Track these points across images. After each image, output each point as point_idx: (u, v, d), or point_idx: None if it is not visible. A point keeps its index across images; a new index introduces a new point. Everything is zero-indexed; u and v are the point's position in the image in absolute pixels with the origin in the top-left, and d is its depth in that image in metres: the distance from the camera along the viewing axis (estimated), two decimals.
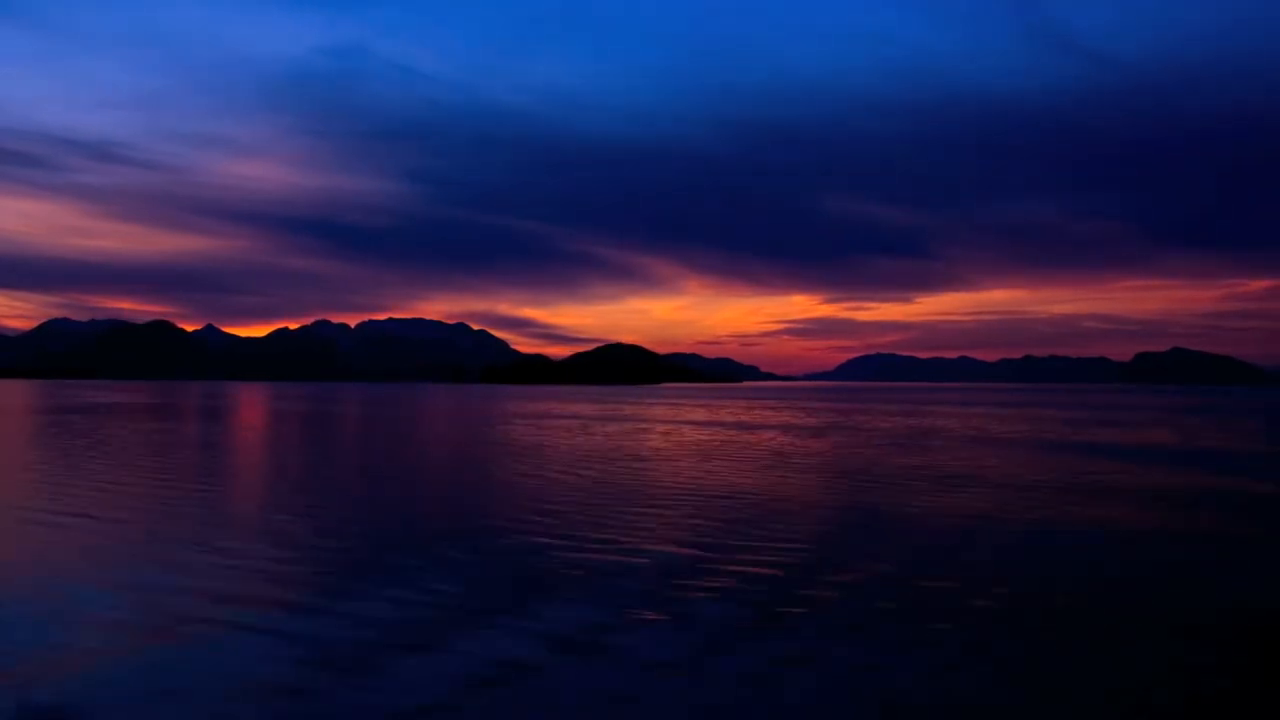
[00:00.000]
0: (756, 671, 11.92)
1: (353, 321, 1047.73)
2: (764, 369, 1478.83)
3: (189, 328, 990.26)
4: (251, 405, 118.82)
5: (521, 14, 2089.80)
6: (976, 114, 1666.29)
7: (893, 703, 10.88)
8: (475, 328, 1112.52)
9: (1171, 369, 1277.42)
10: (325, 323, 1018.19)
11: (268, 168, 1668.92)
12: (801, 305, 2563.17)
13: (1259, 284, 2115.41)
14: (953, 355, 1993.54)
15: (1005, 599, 15.90)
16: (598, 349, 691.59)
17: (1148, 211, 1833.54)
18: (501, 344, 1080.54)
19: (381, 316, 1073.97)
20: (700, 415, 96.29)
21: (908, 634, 13.73)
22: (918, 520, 24.83)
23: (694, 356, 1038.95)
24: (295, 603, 15.40)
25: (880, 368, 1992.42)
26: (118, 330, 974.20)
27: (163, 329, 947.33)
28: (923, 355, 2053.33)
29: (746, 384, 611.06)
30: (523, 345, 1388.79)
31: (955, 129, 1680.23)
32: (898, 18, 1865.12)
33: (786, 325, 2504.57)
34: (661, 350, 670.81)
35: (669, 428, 70.69)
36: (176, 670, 11.84)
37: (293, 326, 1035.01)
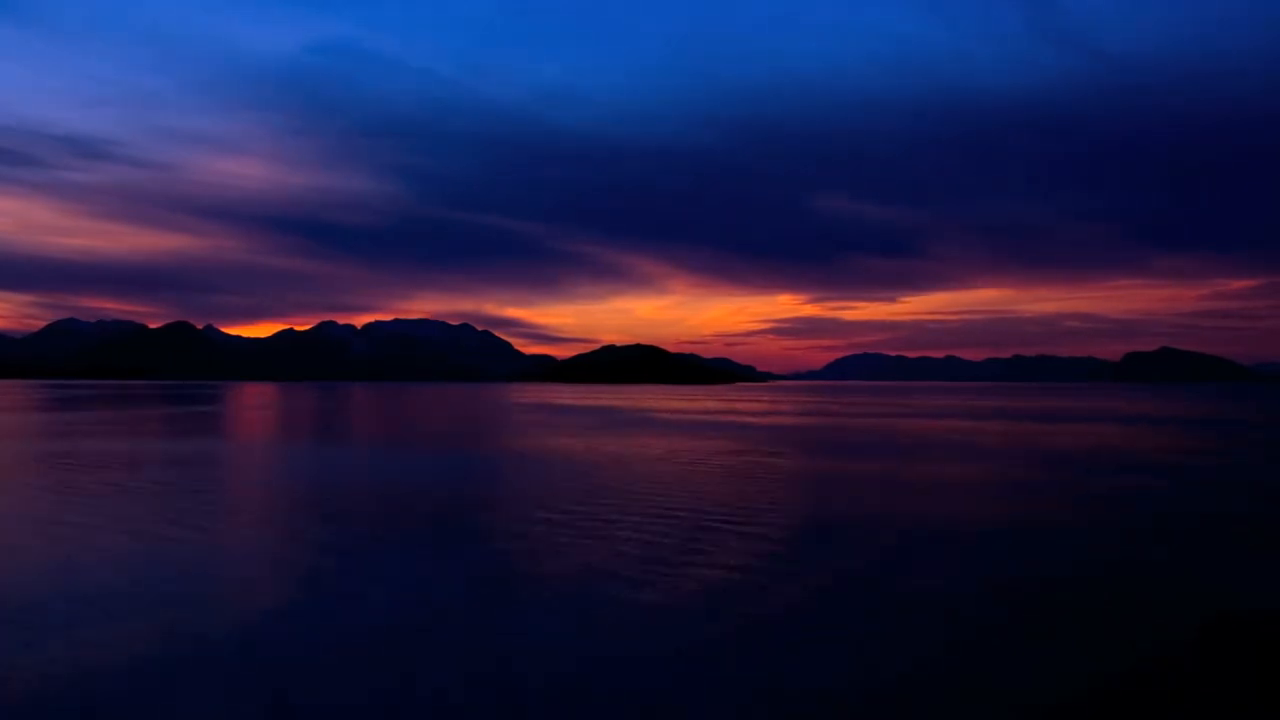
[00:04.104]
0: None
1: (356, 322, 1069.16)
2: (759, 369, 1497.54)
3: (198, 326, 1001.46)
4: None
5: (511, 10, 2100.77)
6: (965, 111, 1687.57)
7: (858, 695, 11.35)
8: (479, 329, 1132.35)
9: (1161, 368, 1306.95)
10: (332, 323, 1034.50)
11: (258, 166, 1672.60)
12: (786, 305, 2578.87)
13: (1240, 284, 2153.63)
14: (939, 355, 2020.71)
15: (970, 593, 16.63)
16: (604, 349, 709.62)
17: (1135, 211, 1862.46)
18: (505, 345, 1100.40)
19: (387, 317, 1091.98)
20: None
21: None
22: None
23: (693, 356, 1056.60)
24: None
25: (868, 367, 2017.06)
26: (125, 331, 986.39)
27: (173, 330, 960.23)
28: (911, 355, 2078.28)
29: (770, 384, 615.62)
30: (520, 346, 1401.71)
31: (944, 126, 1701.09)
32: (896, 14, 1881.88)
33: (772, 325, 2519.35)
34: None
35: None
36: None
37: (298, 328, 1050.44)
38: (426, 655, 13.18)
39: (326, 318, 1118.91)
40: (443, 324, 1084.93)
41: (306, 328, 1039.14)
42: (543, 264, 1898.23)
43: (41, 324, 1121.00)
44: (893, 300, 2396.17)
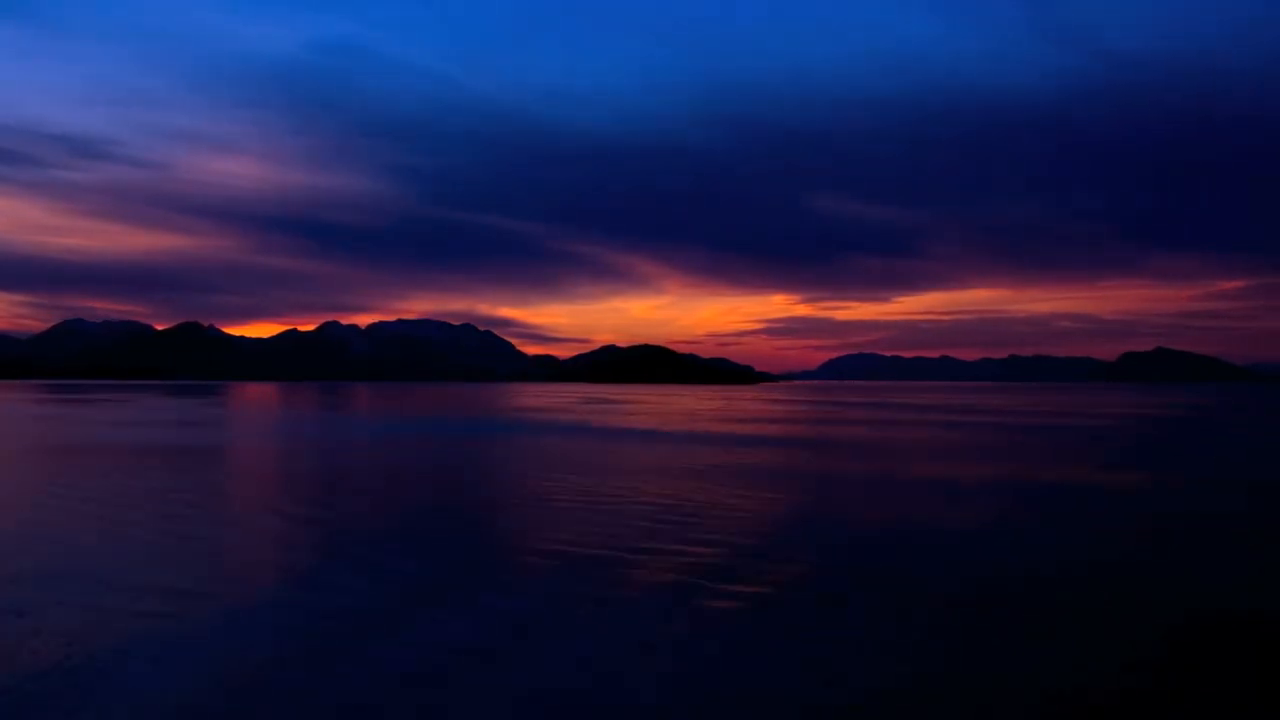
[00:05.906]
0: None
1: (360, 322, 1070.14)
2: (757, 369, 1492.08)
3: (205, 325, 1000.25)
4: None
5: (511, 10, 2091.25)
6: (965, 111, 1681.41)
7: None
8: (481, 329, 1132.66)
9: (1157, 368, 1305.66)
10: (335, 324, 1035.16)
11: (256, 165, 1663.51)
12: (779, 305, 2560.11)
13: (1230, 284, 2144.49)
14: (934, 355, 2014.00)
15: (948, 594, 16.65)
16: (606, 348, 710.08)
17: (1132, 211, 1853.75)
18: (507, 345, 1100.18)
19: (390, 318, 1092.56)
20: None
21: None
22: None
23: (692, 356, 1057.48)
24: None
25: (863, 367, 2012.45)
26: (132, 331, 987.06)
27: (180, 331, 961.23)
28: (906, 355, 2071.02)
29: (782, 383, 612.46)
30: (520, 346, 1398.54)
31: (944, 126, 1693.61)
32: (896, 13, 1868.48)
33: (764, 325, 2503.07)
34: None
35: None
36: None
37: (301, 328, 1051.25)
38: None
39: (329, 318, 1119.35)
40: (444, 324, 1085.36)
41: (310, 328, 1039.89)
42: (542, 264, 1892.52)
43: (40, 324, 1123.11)
44: (887, 300, 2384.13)
